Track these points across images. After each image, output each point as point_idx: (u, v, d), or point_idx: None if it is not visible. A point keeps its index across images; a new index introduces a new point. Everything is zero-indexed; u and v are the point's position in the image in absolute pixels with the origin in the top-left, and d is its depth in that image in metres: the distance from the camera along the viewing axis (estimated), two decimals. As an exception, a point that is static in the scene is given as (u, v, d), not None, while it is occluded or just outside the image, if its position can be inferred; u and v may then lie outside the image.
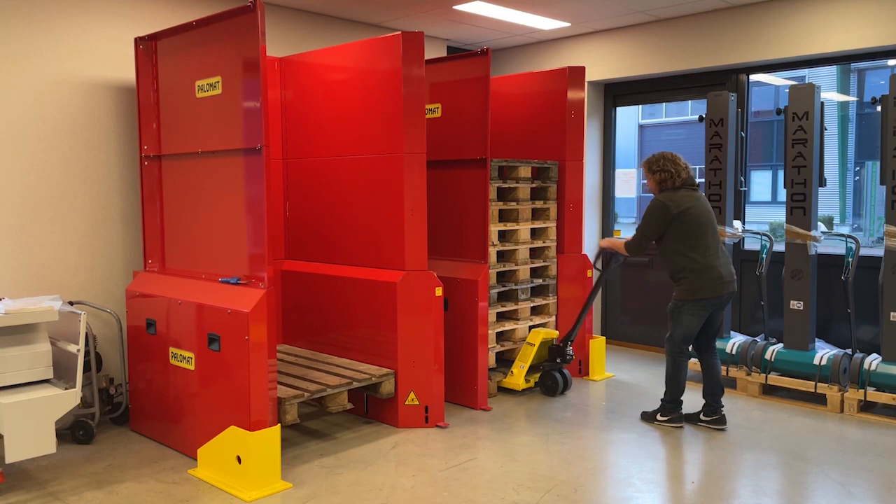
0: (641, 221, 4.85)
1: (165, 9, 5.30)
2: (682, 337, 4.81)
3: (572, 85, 6.01)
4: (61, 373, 3.99)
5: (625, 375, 6.35)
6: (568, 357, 5.59)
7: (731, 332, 6.15)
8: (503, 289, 5.69)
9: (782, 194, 9.05)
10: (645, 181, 5.00)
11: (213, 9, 5.30)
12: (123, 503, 3.77)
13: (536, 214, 5.98)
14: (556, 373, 5.65)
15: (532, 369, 5.72)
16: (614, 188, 7.76)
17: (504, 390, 5.77)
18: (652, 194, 4.97)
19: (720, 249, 4.82)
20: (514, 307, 5.75)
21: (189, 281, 4.50)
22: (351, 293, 5.09)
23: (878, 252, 5.42)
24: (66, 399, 3.84)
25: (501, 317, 5.79)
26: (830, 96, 17.25)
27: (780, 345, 5.73)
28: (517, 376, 5.65)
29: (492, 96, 5.49)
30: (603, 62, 7.13)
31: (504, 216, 5.73)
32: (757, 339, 5.90)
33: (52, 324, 4.05)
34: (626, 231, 8.00)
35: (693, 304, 4.73)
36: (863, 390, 5.17)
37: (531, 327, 5.96)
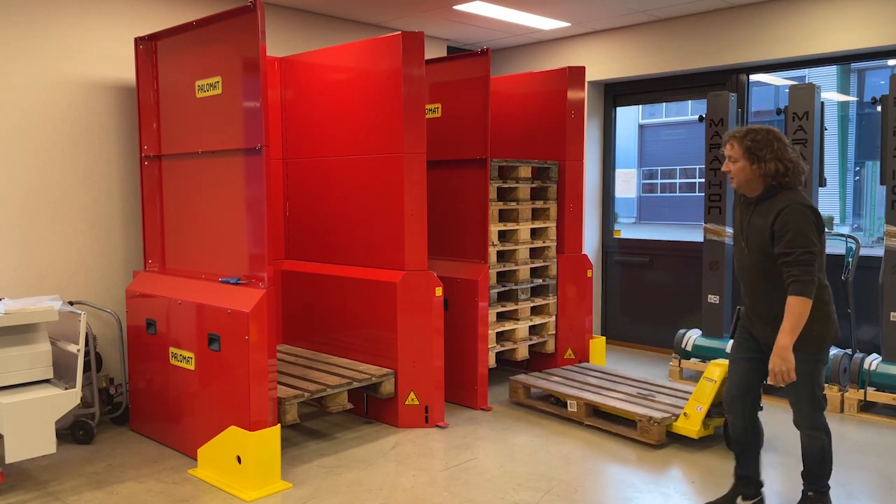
0: (789, 244, 3.19)
1: (165, 9, 5.30)
2: (823, 404, 3.45)
3: (572, 85, 6.01)
4: (61, 373, 3.99)
5: (625, 375, 6.33)
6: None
7: (731, 332, 6.15)
8: (503, 289, 5.69)
9: (782, 194, 9.00)
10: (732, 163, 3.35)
11: (213, 9, 5.29)
12: (123, 503, 3.77)
13: (536, 214, 5.98)
14: None
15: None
16: (614, 188, 7.76)
17: (674, 436, 4.67)
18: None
19: None
20: (514, 307, 5.75)
21: (189, 281, 4.50)
22: (351, 293, 5.09)
23: (878, 252, 5.42)
24: (66, 399, 3.84)
25: (501, 317, 5.78)
26: (830, 96, 17.25)
27: (780, 345, 5.72)
28: (693, 420, 4.49)
29: (492, 96, 5.49)
30: (603, 62, 7.13)
31: (504, 216, 5.72)
32: (757, 339, 5.87)
33: (52, 324, 4.05)
34: (625, 231, 8.00)
35: (823, 359, 3.40)
36: (863, 390, 5.17)
37: (531, 327, 5.96)
